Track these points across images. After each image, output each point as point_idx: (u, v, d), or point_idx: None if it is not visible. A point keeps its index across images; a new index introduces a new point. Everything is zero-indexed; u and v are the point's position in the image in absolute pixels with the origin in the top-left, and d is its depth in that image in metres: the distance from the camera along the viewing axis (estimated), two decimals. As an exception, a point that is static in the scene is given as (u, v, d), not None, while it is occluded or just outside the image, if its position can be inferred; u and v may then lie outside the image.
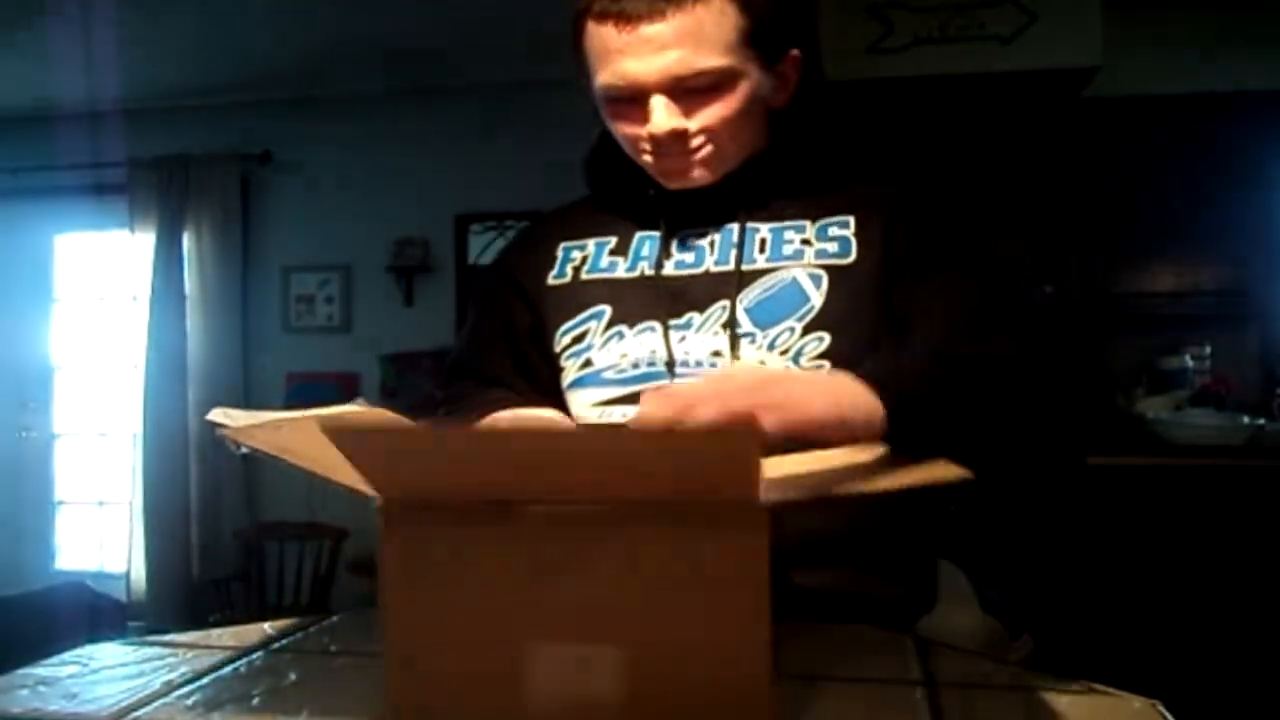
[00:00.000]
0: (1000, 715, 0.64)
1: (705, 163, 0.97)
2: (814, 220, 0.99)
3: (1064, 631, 2.28)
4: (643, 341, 0.98)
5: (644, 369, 0.97)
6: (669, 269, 1.00)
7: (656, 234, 1.03)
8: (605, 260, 1.04)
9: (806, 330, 0.93)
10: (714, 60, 0.90)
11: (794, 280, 0.95)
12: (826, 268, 0.95)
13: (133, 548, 4.11)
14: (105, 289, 4.35)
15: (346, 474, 0.60)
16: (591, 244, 1.06)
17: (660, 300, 0.98)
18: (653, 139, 0.94)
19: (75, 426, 4.44)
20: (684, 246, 1.01)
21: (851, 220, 0.98)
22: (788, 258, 0.97)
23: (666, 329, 0.97)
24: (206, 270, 4.06)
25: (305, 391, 4.03)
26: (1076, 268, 2.72)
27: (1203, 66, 3.01)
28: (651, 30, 0.89)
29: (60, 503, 4.44)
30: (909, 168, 1.06)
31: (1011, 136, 2.75)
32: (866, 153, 1.04)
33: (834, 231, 0.98)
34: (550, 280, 1.06)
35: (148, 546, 4.02)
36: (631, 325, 0.99)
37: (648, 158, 0.98)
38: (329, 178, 4.04)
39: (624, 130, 0.97)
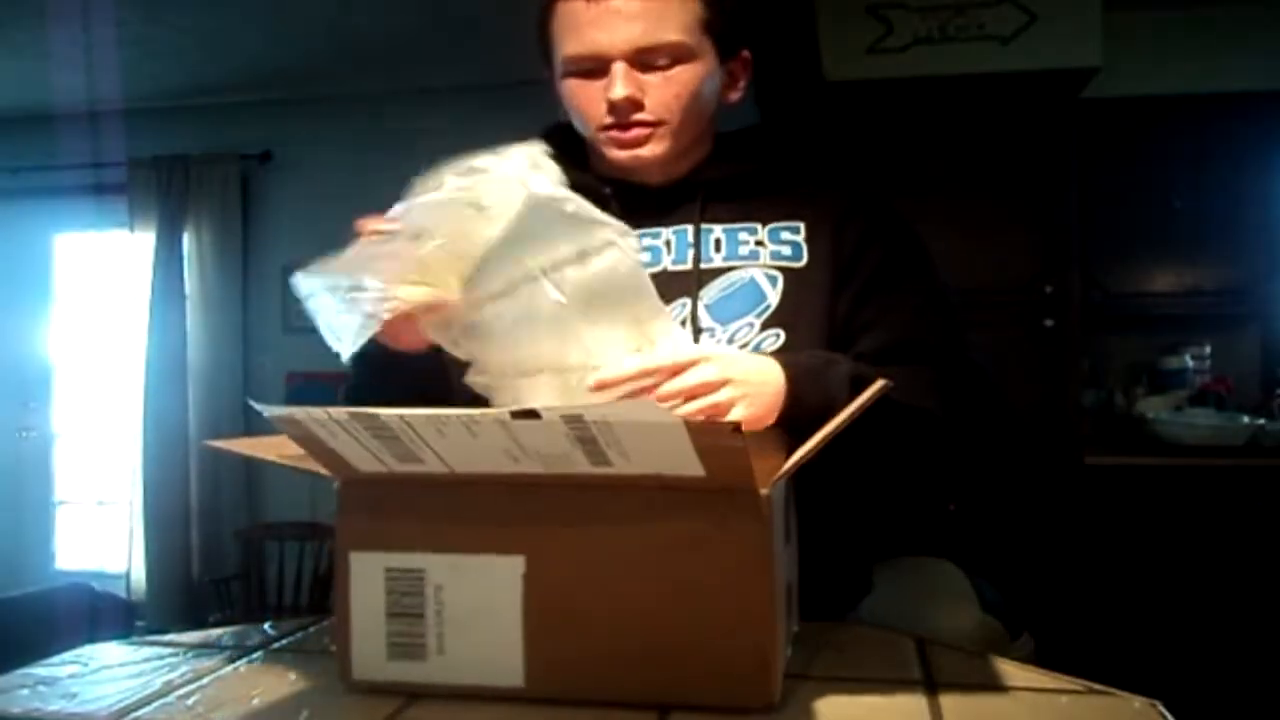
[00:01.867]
0: (1000, 715, 0.64)
1: (656, 138, 1.00)
2: (764, 224, 1.03)
3: (1064, 631, 2.28)
4: None
5: None
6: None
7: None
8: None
9: (764, 326, 0.98)
10: (674, 35, 0.96)
11: (752, 279, 1.00)
12: (781, 269, 1.00)
13: (133, 548, 4.11)
14: (105, 289, 4.35)
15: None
16: None
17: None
18: (611, 106, 0.97)
19: (75, 426, 4.44)
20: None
21: (802, 226, 1.03)
22: (744, 258, 1.01)
23: None
24: (206, 270, 4.06)
25: (305, 391, 4.03)
26: (1076, 268, 2.72)
27: (1203, 66, 3.01)
28: (619, 3, 0.95)
29: (60, 503, 4.44)
30: (847, 170, 1.11)
31: (1011, 136, 2.75)
32: (811, 155, 1.08)
33: (785, 236, 1.02)
34: None
35: (148, 546, 4.02)
36: None
37: (603, 132, 1.00)
38: (329, 178, 4.03)
39: (582, 103, 1.00)
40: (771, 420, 0.82)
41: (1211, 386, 3.09)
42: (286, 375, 4.09)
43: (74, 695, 0.68)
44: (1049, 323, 2.67)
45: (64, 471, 4.44)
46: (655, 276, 0.98)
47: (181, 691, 0.68)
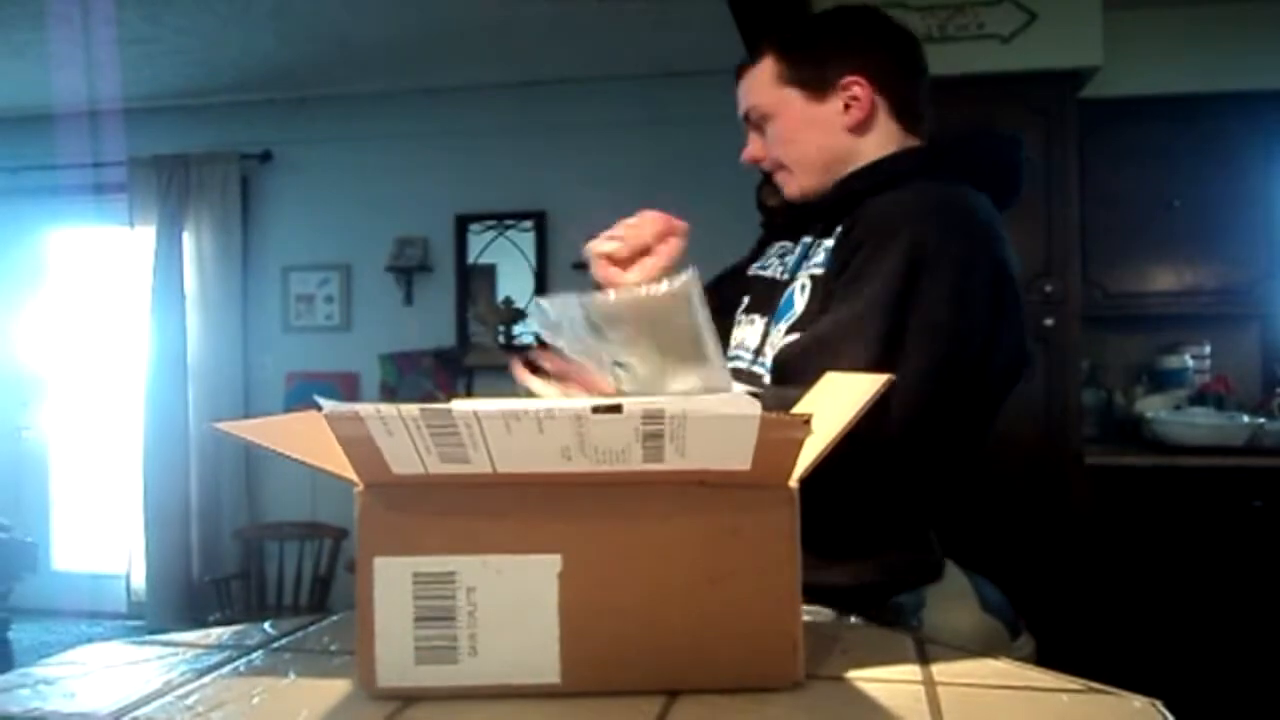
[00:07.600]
0: (1000, 715, 0.64)
1: (785, 178, 1.17)
2: (830, 235, 1.07)
3: (1064, 631, 2.28)
4: (748, 329, 1.16)
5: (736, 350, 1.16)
6: (769, 271, 1.19)
7: (782, 244, 1.24)
8: (769, 261, 1.22)
9: (789, 331, 1.04)
10: (751, 101, 1.15)
11: (793, 290, 1.08)
12: (812, 278, 1.06)
13: (133, 548, 4.11)
14: (106, 288, 4.35)
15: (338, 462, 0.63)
16: (776, 247, 1.24)
17: (756, 296, 1.17)
18: None
19: (75, 426, 4.44)
20: (785, 256, 1.18)
21: (836, 235, 1.07)
22: (806, 269, 1.08)
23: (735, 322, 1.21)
24: (206, 269, 4.06)
25: (305, 391, 4.03)
26: (1076, 268, 2.72)
27: (1203, 66, 3.01)
28: (738, 89, 1.18)
29: (59, 503, 4.44)
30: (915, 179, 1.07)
31: (1011, 136, 2.74)
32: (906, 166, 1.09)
33: (826, 244, 1.07)
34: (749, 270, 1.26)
35: (148, 546, 4.02)
36: (748, 313, 1.18)
37: None
38: (329, 178, 4.04)
39: None
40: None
41: (1211, 386, 3.09)
42: (286, 375, 4.09)
43: (74, 695, 0.68)
44: (1049, 323, 2.67)
45: (63, 471, 4.44)
46: (773, 281, 1.16)
47: (181, 691, 0.68)
